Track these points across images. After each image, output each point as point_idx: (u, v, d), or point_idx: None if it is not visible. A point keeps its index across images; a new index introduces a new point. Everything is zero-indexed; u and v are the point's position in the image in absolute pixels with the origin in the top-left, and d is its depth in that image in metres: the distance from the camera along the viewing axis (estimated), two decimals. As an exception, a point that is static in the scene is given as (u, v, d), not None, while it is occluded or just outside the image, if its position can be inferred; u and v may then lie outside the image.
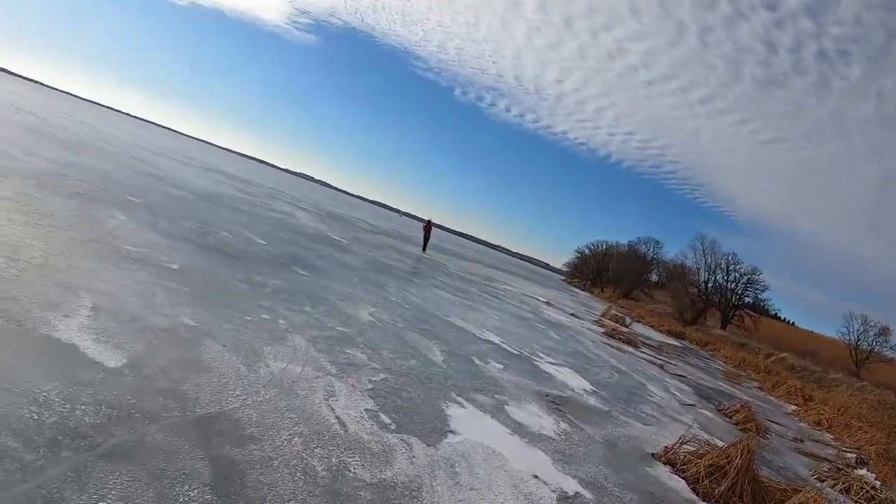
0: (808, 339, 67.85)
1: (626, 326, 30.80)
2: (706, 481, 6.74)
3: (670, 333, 42.74)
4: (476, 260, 51.13)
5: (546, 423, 6.69)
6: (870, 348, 50.17)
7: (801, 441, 13.78)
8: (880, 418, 22.42)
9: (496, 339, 10.89)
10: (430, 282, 16.73)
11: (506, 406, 6.69)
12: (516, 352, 10.47)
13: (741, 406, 14.29)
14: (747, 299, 67.25)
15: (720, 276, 67.63)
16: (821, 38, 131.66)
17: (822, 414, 19.70)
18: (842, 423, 18.86)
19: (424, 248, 31.06)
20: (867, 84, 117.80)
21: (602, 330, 22.55)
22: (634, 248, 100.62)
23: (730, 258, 67.46)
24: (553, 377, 9.46)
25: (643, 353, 20.33)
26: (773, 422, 15.06)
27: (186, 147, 78.37)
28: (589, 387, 9.87)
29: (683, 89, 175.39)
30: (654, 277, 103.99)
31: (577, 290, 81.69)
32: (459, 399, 6.21)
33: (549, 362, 10.76)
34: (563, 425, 6.86)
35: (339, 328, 7.21)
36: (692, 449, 7.44)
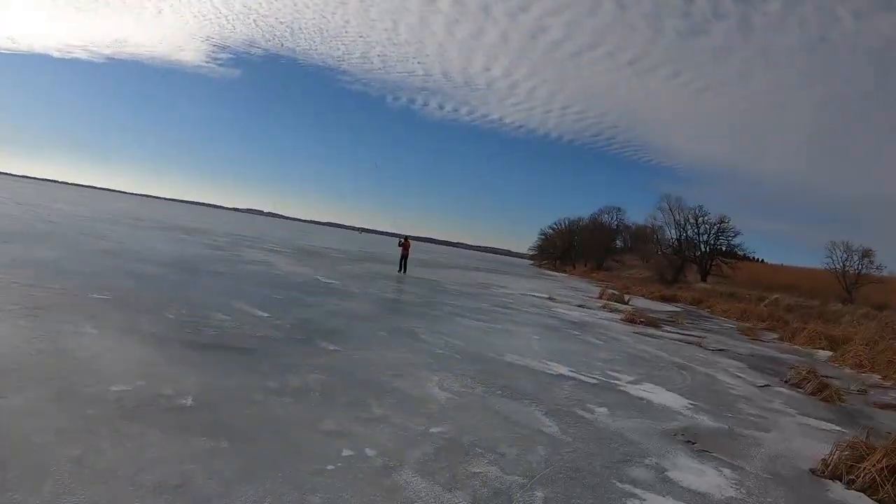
0: (784, 274, 68.58)
1: (628, 304, 30.26)
2: (888, 487, 5.63)
3: (664, 299, 42.27)
4: (453, 265, 49.88)
5: (710, 475, 5.43)
6: (857, 272, 50.63)
7: (865, 392, 12.93)
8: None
9: (564, 370, 9.46)
10: (445, 309, 15.29)
11: (666, 472, 5.38)
12: (593, 380, 9.06)
13: (807, 373, 13.33)
14: (721, 248, 67.52)
15: (690, 230, 67.76)
16: None
17: (861, 354, 18.91)
18: (883, 360, 18.14)
19: (403, 268, 28.00)
20: (787, 14, 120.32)
21: (620, 317, 21.45)
22: (597, 219, 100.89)
23: (697, 211, 67.69)
24: (650, 403, 8.10)
25: (669, 332, 19.38)
26: (828, 377, 14.14)
27: (130, 207, 74.94)
28: (685, 402, 8.56)
29: (609, 54, 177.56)
30: (619, 244, 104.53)
31: (552, 273, 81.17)
32: (620, 487, 4.83)
33: (629, 381, 9.41)
34: (725, 472, 5.61)
35: (429, 427, 5.57)
36: (845, 453, 6.34)
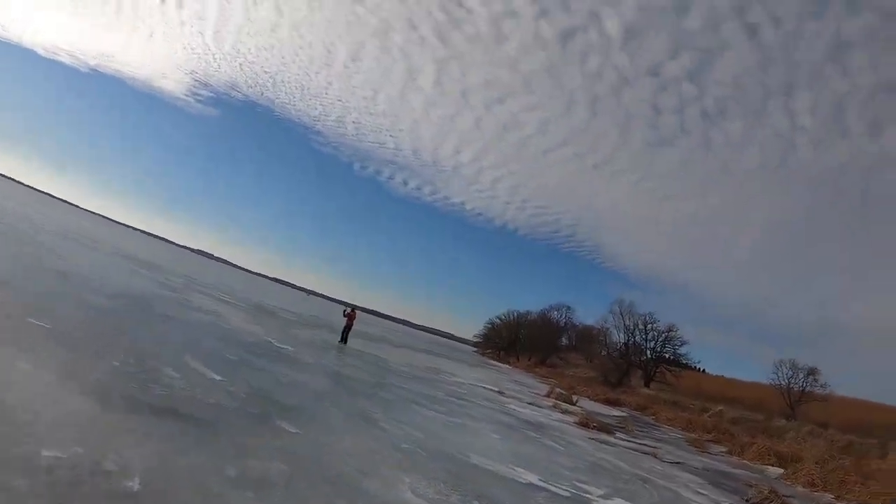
0: (726, 385, 69.34)
1: (576, 405, 29.86)
2: None
3: (609, 402, 41.89)
4: (400, 343, 48.77)
5: None
6: (801, 390, 51.67)
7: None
8: (862, 467, 21.76)
9: (534, 478, 8.79)
10: (400, 394, 14.43)
11: None
12: (565, 492, 8.47)
13: (768, 492, 13.05)
14: (667, 356, 68.15)
15: (639, 335, 68.38)
16: (702, 98, 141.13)
17: (812, 473, 18.72)
18: (835, 480, 18.00)
19: (345, 339, 25.75)
20: (747, 137, 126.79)
21: (573, 420, 20.95)
22: (546, 315, 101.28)
23: (647, 318, 68.56)
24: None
25: (623, 440, 19.02)
26: (787, 496, 13.81)
27: (86, 225, 72.04)
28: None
29: (577, 155, 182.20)
30: (565, 341, 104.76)
31: (496, 363, 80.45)
32: None
33: (599, 496, 8.88)
34: None
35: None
36: None
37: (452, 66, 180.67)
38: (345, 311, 27.05)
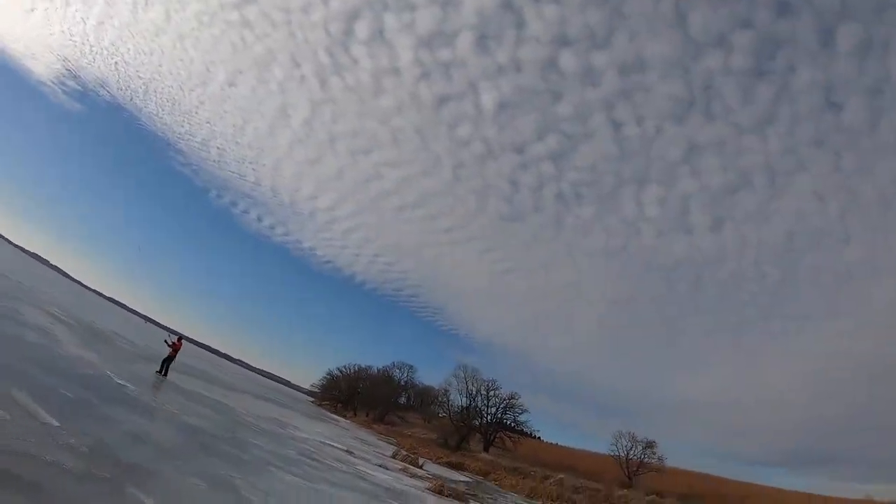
0: (563, 455, 70.83)
1: (422, 468, 28.85)
2: None
3: (452, 466, 41.17)
4: (241, 388, 45.52)
5: None
6: (640, 460, 53.62)
7: None
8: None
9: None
10: (255, 453, 12.91)
11: None
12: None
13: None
14: (507, 422, 68.62)
15: (480, 400, 68.48)
16: (560, 180, 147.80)
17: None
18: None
19: (164, 371, 22.68)
20: (596, 221, 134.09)
21: (427, 486, 19.81)
22: (388, 372, 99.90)
23: (490, 384, 68.97)
24: None
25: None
26: None
27: None
28: None
29: (431, 217, 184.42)
30: (403, 400, 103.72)
31: (335, 416, 77.82)
32: None
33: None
34: None
35: None
36: None
37: (325, 111, 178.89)
38: (168, 340, 24.20)
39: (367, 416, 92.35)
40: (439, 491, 18.79)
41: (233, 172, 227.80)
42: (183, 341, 24.70)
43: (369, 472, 18.83)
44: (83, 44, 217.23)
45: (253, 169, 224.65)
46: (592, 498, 35.87)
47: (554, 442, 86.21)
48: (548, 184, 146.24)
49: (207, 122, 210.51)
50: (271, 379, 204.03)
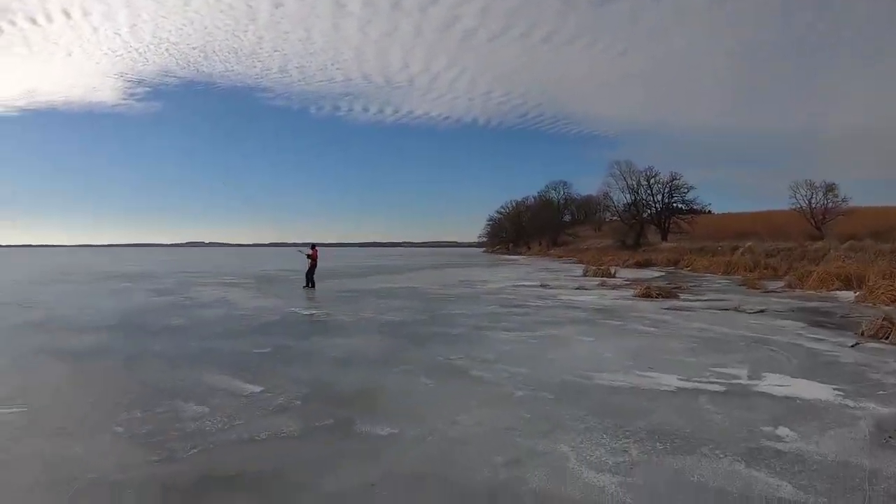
0: (738, 221, 68.34)
1: (615, 276, 28.70)
2: None
3: (640, 265, 40.94)
4: (416, 266, 47.25)
5: None
6: (823, 207, 50.35)
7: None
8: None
9: (672, 380, 7.08)
10: (463, 323, 12.62)
11: None
12: (718, 387, 6.83)
13: (882, 321, 11.50)
14: (675, 205, 66.75)
15: (643, 192, 66.72)
16: None
17: (891, 289, 17.33)
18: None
19: (311, 283, 23.02)
20: None
21: (633, 294, 19.46)
22: (545, 196, 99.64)
23: (648, 172, 66.70)
24: (813, 404, 6.07)
25: (694, 300, 17.61)
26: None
27: (62, 260, 69.22)
28: (831, 391, 6.58)
29: (524, 34, 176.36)
30: (567, 218, 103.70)
31: (511, 257, 79.36)
32: None
33: (749, 378, 7.27)
34: None
35: None
36: None
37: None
38: (306, 252, 24.09)
39: (539, 245, 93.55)
40: (647, 294, 18.37)
41: (321, 81, 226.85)
42: (318, 249, 24.06)
43: (573, 297, 18.54)
44: (128, 52, 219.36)
45: (338, 69, 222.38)
46: (788, 257, 34.29)
47: (727, 211, 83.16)
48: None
49: (275, 51, 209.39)
50: (439, 247, 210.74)
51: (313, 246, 24.01)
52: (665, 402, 6.27)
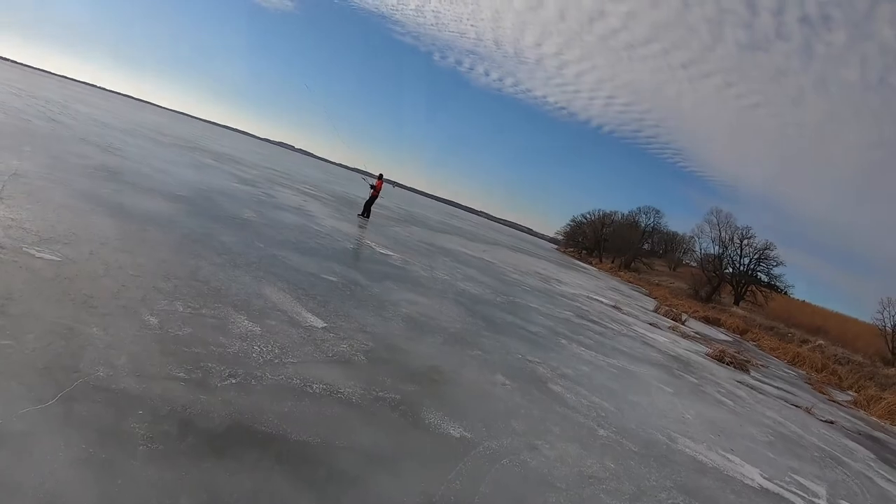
0: (815, 316, 65.20)
1: (684, 324, 27.85)
2: None
3: (707, 321, 39.43)
4: (493, 241, 47.04)
5: None
6: (908, 334, 46.86)
7: None
8: None
9: (755, 474, 6.78)
10: (541, 323, 12.45)
11: None
12: (797, 498, 6.54)
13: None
14: (758, 275, 64.12)
15: (732, 250, 64.25)
16: (804, 1, 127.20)
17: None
18: None
19: (367, 212, 22.29)
20: (850, 49, 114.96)
21: (705, 352, 18.76)
22: (633, 217, 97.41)
23: (744, 232, 63.98)
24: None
25: (762, 382, 16.81)
26: None
27: (161, 120, 69.64)
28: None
29: (665, 51, 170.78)
30: (646, 246, 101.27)
31: (582, 264, 78.13)
32: None
33: (825, 499, 6.87)
34: None
35: None
36: None
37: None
38: (367, 180, 23.36)
39: (612, 262, 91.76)
40: (720, 358, 17.66)
41: (452, 32, 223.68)
42: (383, 181, 23.21)
43: (647, 334, 17.96)
44: None
45: (472, 25, 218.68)
46: (857, 371, 32.56)
47: (803, 300, 79.49)
48: (790, 5, 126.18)
49: None
50: (515, 228, 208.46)
51: (380, 177, 22.98)
52: (750, 499, 5.90)
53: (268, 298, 6.69)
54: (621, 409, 7.53)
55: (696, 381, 12.31)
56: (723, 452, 7.25)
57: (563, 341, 11.12)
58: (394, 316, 8.14)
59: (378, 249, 14.99)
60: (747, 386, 14.56)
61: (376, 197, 22.67)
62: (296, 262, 9.50)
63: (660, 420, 7.69)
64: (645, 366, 11.80)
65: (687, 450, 6.79)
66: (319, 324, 6.41)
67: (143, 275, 5.99)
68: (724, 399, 11.37)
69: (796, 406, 14.40)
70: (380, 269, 12.09)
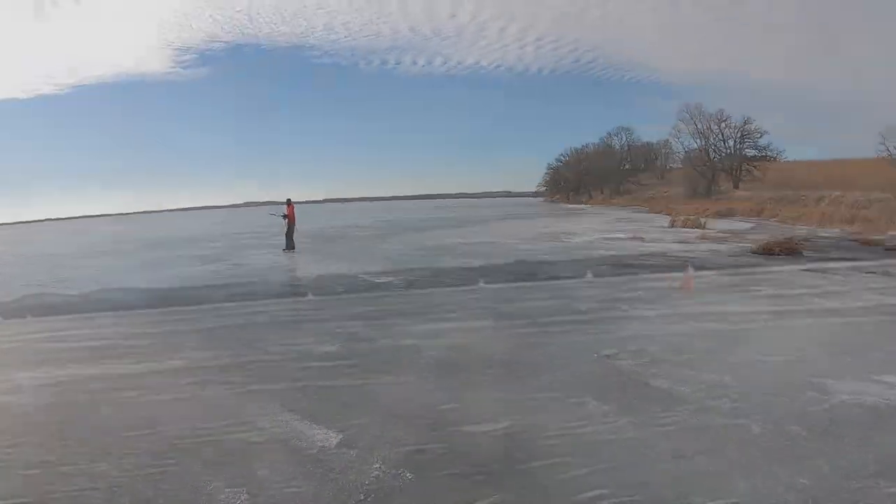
0: (818, 171, 63.13)
1: (705, 227, 26.27)
2: None
3: (721, 215, 37.87)
4: (485, 218, 45.35)
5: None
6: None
7: None
8: None
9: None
10: (586, 293, 10.88)
11: None
12: None
13: None
14: (749, 152, 62.23)
15: (713, 137, 62.40)
16: None
17: None
18: None
19: (291, 244, 20.16)
20: None
21: (751, 249, 16.97)
22: (607, 144, 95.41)
23: (719, 116, 62.09)
24: None
25: (822, 258, 15.07)
26: None
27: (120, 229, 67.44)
28: None
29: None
30: (627, 166, 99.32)
31: (576, 206, 76.60)
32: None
33: None
34: None
35: None
36: None
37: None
38: (275, 213, 21.44)
39: (601, 194, 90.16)
40: (768, 251, 15.95)
41: (367, 36, 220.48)
42: (293, 205, 20.60)
43: (687, 254, 16.34)
44: (172, 19, 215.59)
45: (384, 22, 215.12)
46: (886, 209, 30.70)
47: (796, 159, 77.28)
48: None
49: (319, 9, 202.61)
50: (496, 197, 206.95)
51: (288, 202, 20.52)
52: None
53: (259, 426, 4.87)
54: (745, 377, 5.61)
55: (774, 291, 10.52)
56: (876, 378, 5.42)
57: (624, 308, 9.23)
58: (422, 376, 6.15)
59: (374, 280, 13.09)
60: (820, 272, 12.79)
61: (293, 224, 20.46)
62: (277, 346, 7.74)
63: (791, 368, 5.91)
64: (718, 295, 10.05)
65: (845, 397, 4.93)
66: (331, 439, 4.59)
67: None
68: (817, 300, 9.58)
69: (871, 273, 12.66)
70: (383, 305, 10.30)
